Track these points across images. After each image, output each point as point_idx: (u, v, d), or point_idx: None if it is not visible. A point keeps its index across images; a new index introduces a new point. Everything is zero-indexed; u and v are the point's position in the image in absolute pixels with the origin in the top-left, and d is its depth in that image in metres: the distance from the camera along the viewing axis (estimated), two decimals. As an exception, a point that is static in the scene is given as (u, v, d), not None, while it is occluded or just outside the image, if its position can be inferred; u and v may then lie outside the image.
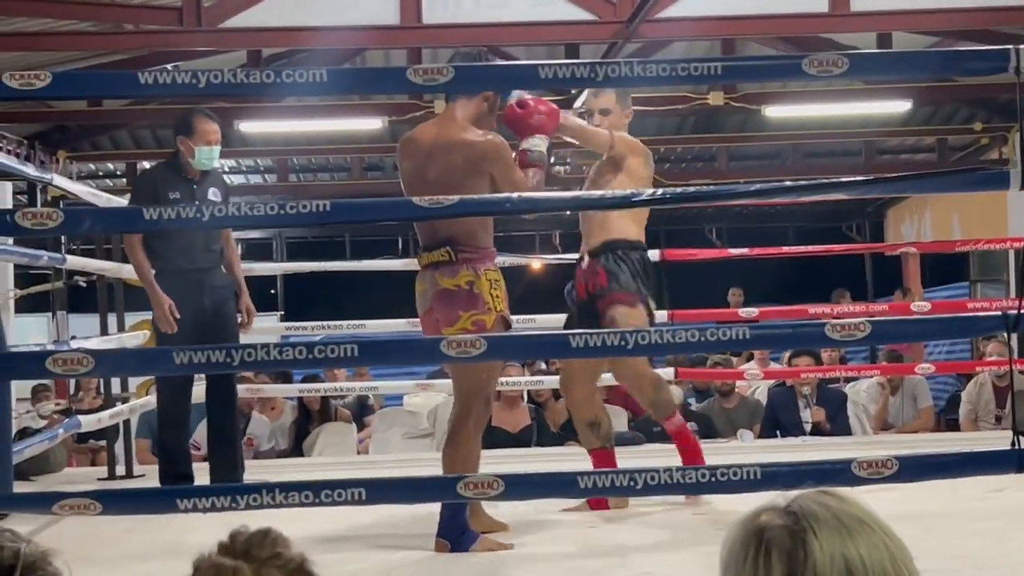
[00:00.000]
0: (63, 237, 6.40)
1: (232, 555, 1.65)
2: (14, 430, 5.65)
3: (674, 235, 13.59)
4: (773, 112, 10.04)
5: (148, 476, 6.04)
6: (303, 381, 8.21)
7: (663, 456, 5.36)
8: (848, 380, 8.45)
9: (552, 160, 11.88)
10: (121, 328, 6.33)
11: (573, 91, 7.66)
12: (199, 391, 5.65)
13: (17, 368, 3.87)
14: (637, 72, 3.42)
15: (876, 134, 11.99)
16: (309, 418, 7.99)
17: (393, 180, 5.19)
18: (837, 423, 7.62)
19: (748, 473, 3.39)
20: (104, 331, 6.20)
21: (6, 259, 5.32)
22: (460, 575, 3.89)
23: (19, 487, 5.08)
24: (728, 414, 7.87)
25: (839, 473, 3.41)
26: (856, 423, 7.90)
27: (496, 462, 6.10)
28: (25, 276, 7.51)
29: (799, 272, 13.01)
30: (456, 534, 4.07)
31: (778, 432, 7.62)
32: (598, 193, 4.07)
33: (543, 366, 8.60)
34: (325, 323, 7.01)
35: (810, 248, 7.96)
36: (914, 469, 3.49)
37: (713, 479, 3.43)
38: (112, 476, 6.20)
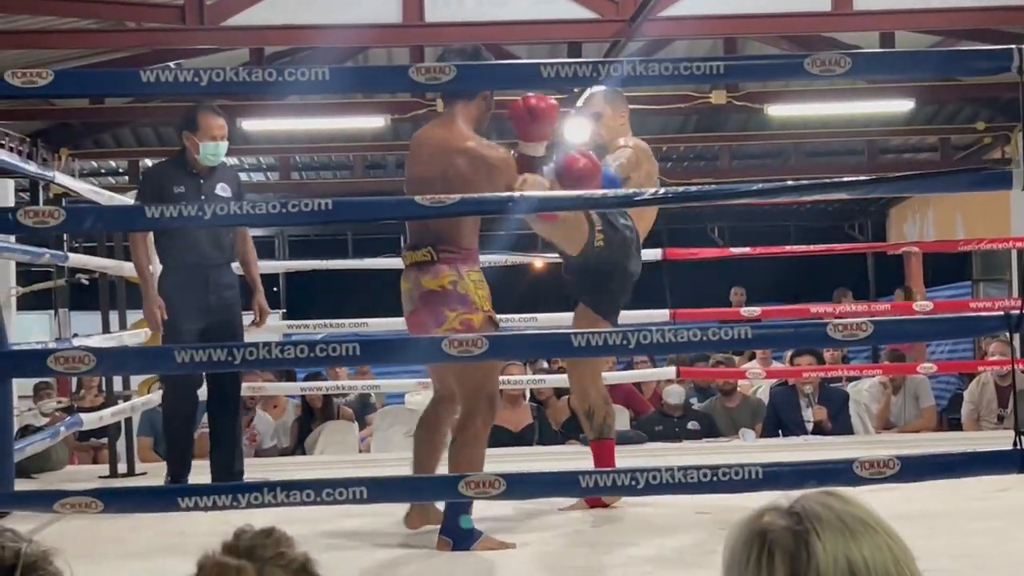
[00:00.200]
0: (65, 235, 6.40)
1: (236, 554, 1.65)
2: (16, 428, 5.66)
3: (676, 234, 13.57)
4: (775, 111, 10.04)
5: (150, 474, 6.04)
6: (306, 379, 8.21)
7: (665, 455, 5.36)
8: (850, 379, 8.44)
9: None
10: (123, 326, 6.33)
11: (575, 90, 7.66)
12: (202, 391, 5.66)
13: (19, 366, 3.86)
14: (639, 71, 3.41)
15: (879, 133, 11.99)
16: (312, 416, 7.99)
17: (395, 178, 5.22)
18: (839, 422, 7.61)
19: (750, 473, 3.39)
20: (106, 329, 6.20)
21: (8, 257, 5.32)
22: (461, 574, 3.89)
23: (20, 484, 5.07)
24: (730, 413, 7.87)
25: (841, 473, 3.40)
26: (858, 422, 7.89)
27: (498, 461, 6.12)
28: (27, 273, 7.51)
29: (801, 271, 13.01)
30: (458, 532, 4.07)
31: (780, 431, 7.62)
32: (599, 193, 4.06)
33: (545, 365, 8.60)
34: (327, 321, 7.01)
35: (812, 248, 7.95)
36: (916, 469, 3.49)
37: (715, 479, 3.42)
38: (114, 474, 6.20)
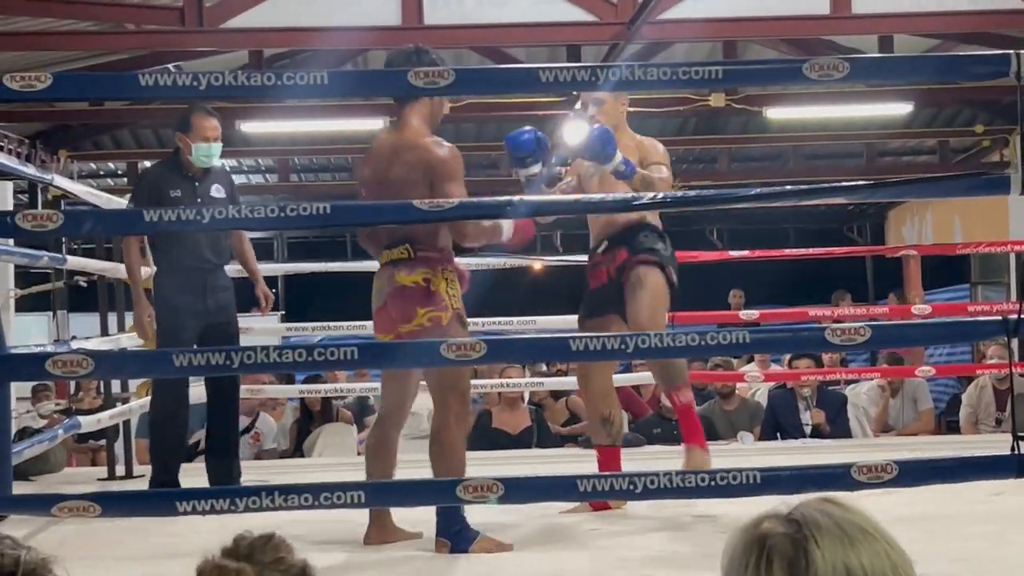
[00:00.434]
0: (63, 238, 6.40)
1: (235, 558, 1.66)
2: (14, 430, 5.65)
3: (675, 236, 13.44)
4: (774, 114, 10.04)
5: (148, 476, 6.03)
6: (305, 382, 8.21)
7: (663, 458, 5.36)
8: (849, 382, 8.45)
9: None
10: (121, 328, 6.32)
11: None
12: (198, 392, 5.65)
13: (17, 370, 3.86)
14: (638, 76, 3.41)
15: (877, 136, 12.00)
16: (310, 418, 7.99)
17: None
18: (837, 425, 7.61)
19: (748, 477, 3.39)
20: (104, 331, 6.19)
21: (6, 260, 5.32)
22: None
23: (19, 487, 5.07)
24: (728, 416, 7.87)
25: (839, 477, 3.40)
26: (856, 425, 7.89)
27: (497, 463, 6.12)
28: (26, 275, 7.50)
29: (800, 273, 13.02)
30: (454, 532, 4.07)
31: (778, 434, 7.62)
32: (598, 196, 4.06)
33: (543, 367, 8.60)
34: (326, 324, 7.01)
35: (811, 251, 7.96)
36: (914, 474, 3.49)
37: (713, 483, 3.43)
38: (112, 476, 6.20)
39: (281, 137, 11.27)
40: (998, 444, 3.86)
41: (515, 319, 6.96)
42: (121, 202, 6.19)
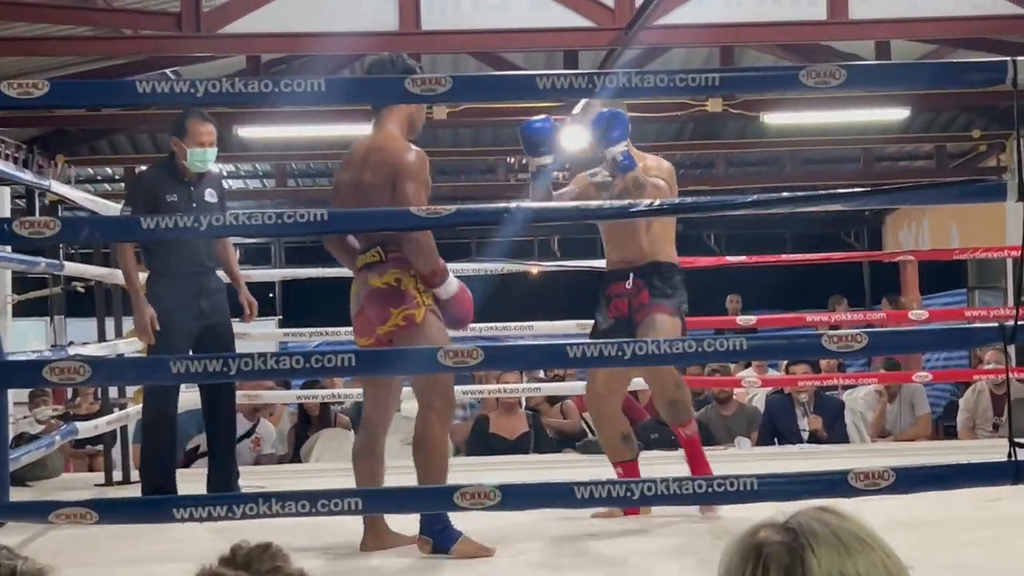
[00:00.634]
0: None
1: (233, 567, 1.66)
2: (11, 435, 5.65)
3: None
4: (771, 119, 10.05)
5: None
6: (303, 387, 8.21)
7: (660, 464, 5.36)
8: (846, 387, 8.45)
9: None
10: (119, 333, 6.33)
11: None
12: (194, 398, 5.66)
13: (14, 376, 3.86)
14: (635, 83, 3.42)
15: (874, 141, 12.01)
16: (308, 423, 7.99)
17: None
18: (835, 431, 7.62)
19: (744, 484, 3.39)
20: (102, 336, 6.19)
21: (4, 266, 5.32)
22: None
23: (16, 492, 5.07)
24: (726, 421, 7.87)
25: (836, 484, 3.40)
26: (854, 430, 7.90)
27: (494, 469, 6.12)
28: (23, 280, 7.50)
29: (797, 278, 13.01)
30: (437, 531, 4.07)
31: (776, 439, 7.62)
32: (595, 204, 4.06)
33: (540, 372, 8.60)
34: (323, 329, 7.01)
35: (808, 256, 7.96)
36: (911, 480, 3.49)
37: (709, 490, 3.43)
38: (109, 482, 6.20)
39: (278, 142, 11.28)
40: (995, 449, 3.85)
41: (513, 324, 6.96)
42: (119, 207, 6.19)
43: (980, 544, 4.17)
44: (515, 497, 3.51)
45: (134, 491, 5.77)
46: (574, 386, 7.70)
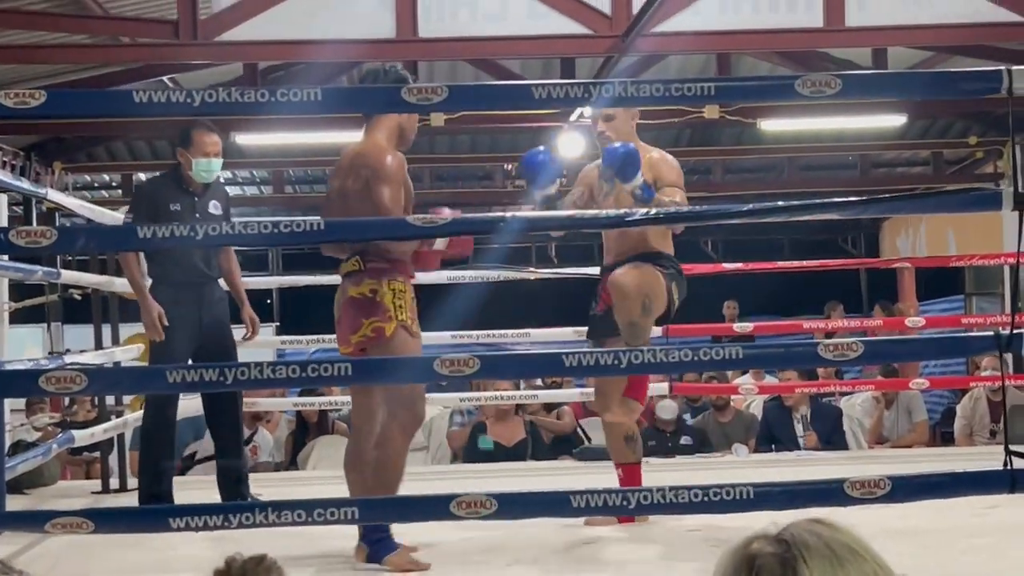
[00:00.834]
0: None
1: (229, 579, 1.67)
2: (8, 442, 5.64)
3: (670, 247, 13.55)
4: (768, 125, 10.05)
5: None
6: (300, 394, 8.20)
7: (657, 471, 5.37)
8: (843, 394, 8.45)
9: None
10: (116, 341, 6.32)
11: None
12: (195, 404, 5.66)
13: (10, 386, 3.85)
14: (631, 92, 3.43)
15: (871, 148, 12.02)
16: (306, 430, 7.98)
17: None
18: (832, 438, 7.62)
19: (741, 493, 3.39)
20: (99, 343, 6.19)
21: (1, 274, 5.32)
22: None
23: (13, 500, 5.07)
24: (723, 428, 7.87)
25: (832, 493, 3.40)
26: (851, 437, 7.90)
27: (491, 477, 6.12)
28: (20, 288, 7.49)
29: (794, 284, 13.03)
30: (374, 540, 4.05)
31: (773, 446, 7.63)
32: (591, 213, 4.06)
33: (538, 381, 8.60)
34: (321, 336, 7.00)
35: (805, 263, 7.97)
36: (907, 489, 3.49)
37: (705, 499, 3.43)
38: (106, 489, 6.20)
39: (275, 149, 11.27)
40: (993, 456, 3.86)
41: (510, 332, 6.96)
42: (115, 215, 6.19)
43: (976, 552, 4.17)
44: (511, 506, 3.50)
45: (131, 499, 5.77)
46: (571, 393, 7.71)
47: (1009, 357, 7.19)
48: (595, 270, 5.30)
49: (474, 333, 6.98)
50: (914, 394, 8.08)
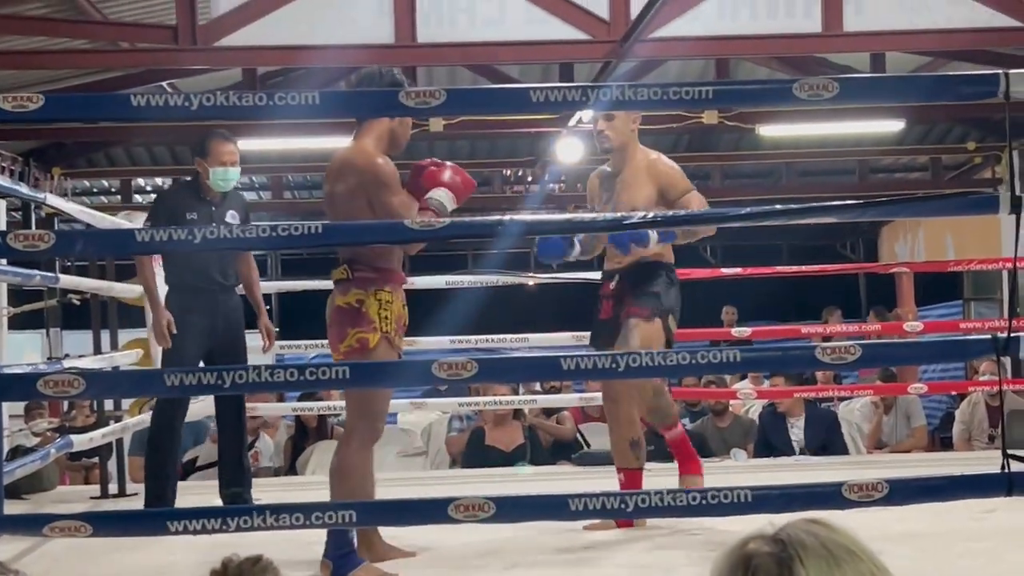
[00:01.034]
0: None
1: (225, 580, 1.67)
2: (6, 447, 5.65)
3: (669, 252, 13.56)
4: (767, 131, 10.07)
5: (141, 494, 6.03)
6: (300, 399, 8.20)
7: (657, 475, 5.36)
8: (842, 399, 8.46)
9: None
10: (115, 346, 6.32)
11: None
12: (195, 408, 5.67)
13: (7, 390, 3.86)
14: (628, 96, 3.42)
15: (870, 153, 12.03)
16: (306, 435, 7.98)
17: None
18: (828, 443, 7.61)
19: (738, 496, 3.39)
20: (98, 349, 6.19)
21: (-1, 279, 5.32)
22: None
23: (11, 505, 5.07)
24: (722, 433, 7.87)
25: (830, 496, 3.41)
26: (850, 442, 7.90)
27: (490, 481, 6.12)
28: (19, 293, 7.50)
29: (793, 289, 13.03)
30: (338, 556, 4.00)
31: (771, 451, 7.62)
32: (589, 216, 4.06)
33: (537, 385, 8.60)
34: (320, 341, 6.99)
35: (803, 268, 7.98)
36: (904, 492, 3.49)
37: (703, 502, 3.43)
38: (105, 494, 6.19)
39: (274, 154, 11.28)
40: (991, 461, 3.86)
41: (509, 337, 6.96)
42: (113, 220, 6.19)
43: (974, 556, 4.17)
44: (509, 510, 3.51)
45: (130, 504, 5.78)
46: (570, 398, 7.71)
47: (1007, 362, 7.20)
48: (596, 275, 5.30)
49: (473, 338, 6.98)
50: (913, 399, 8.08)
